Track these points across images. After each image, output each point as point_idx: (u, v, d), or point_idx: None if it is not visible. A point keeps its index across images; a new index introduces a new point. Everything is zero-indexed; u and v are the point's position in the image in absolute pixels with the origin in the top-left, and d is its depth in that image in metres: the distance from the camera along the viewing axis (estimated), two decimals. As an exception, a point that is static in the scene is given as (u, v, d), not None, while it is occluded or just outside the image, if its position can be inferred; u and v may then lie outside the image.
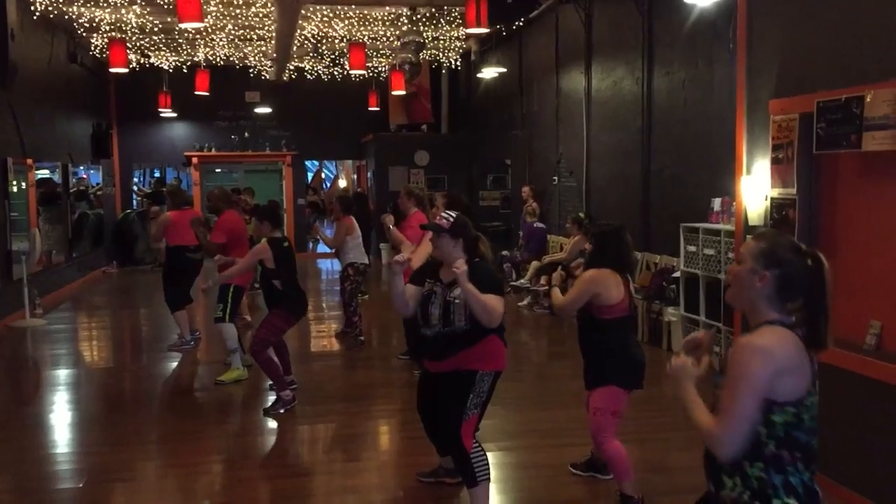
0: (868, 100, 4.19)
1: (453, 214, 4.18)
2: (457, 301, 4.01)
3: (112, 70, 10.57)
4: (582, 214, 10.49)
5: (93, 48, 13.75)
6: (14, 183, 10.74)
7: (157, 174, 21.64)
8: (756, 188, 5.37)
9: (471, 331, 4.02)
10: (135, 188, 18.59)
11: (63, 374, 8.01)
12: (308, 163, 20.69)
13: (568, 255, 10.25)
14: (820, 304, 2.27)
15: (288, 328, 6.55)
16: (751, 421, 2.20)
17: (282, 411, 6.26)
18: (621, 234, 4.55)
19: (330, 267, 16.08)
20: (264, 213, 6.62)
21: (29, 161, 11.44)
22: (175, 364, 8.17)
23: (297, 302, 6.48)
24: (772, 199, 5.14)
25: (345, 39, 12.95)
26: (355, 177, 22.88)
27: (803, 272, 2.28)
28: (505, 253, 12.20)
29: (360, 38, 12.72)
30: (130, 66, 12.46)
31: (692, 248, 7.53)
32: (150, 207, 15.98)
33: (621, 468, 4.31)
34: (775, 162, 5.12)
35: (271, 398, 6.60)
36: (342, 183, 24.71)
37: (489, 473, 4.15)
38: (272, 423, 6.14)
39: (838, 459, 4.30)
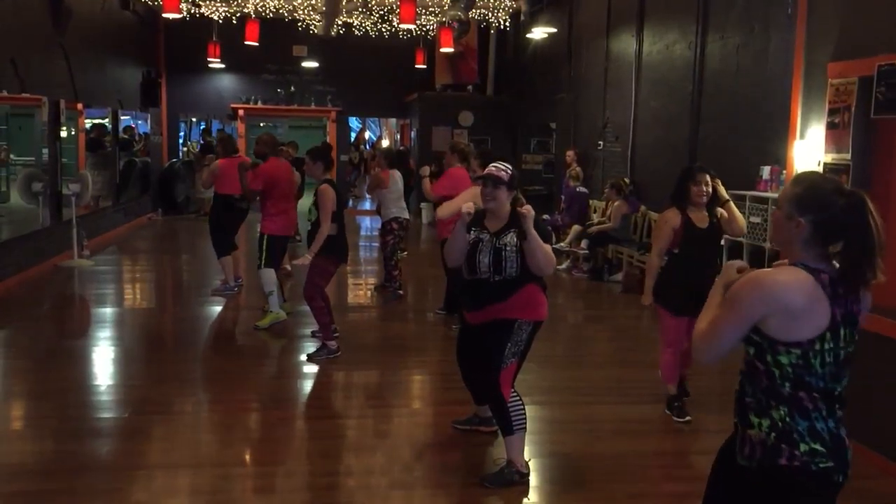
0: (932, 63, 4.08)
1: (509, 167, 4.18)
2: (507, 248, 4.03)
3: (165, 15, 10.61)
4: (626, 180, 10.39)
5: (145, -5, 13.84)
6: (64, 127, 10.92)
7: (202, 125, 21.86)
8: (809, 153, 5.28)
9: (518, 277, 4.06)
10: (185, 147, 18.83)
11: (108, 312, 8.21)
12: (352, 122, 20.71)
13: (613, 222, 10.18)
14: (861, 244, 2.18)
15: (334, 271, 6.59)
16: (729, 342, 2.27)
17: (325, 358, 6.34)
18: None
19: (369, 224, 16.16)
20: (318, 154, 6.52)
21: (80, 105, 11.61)
22: (217, 308, 8.31)
23: (342, 246, 6.51)
24: (825, 164, 5.05)
25: (394, -6, 12.85)
26: (398, 136, 22.86)
27: (842, 215, 2.20)
28: (546, 216, 12.13)
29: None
30: (181, 14, 12.50)
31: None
32: (204, 157, 16.15)
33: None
34: (830, 126, 5.02)
35: (309, 345, 6.69)
36: (385, 143, 24.71)
37: (525, 423, 4.18)
38: (309, 368, 6.24)
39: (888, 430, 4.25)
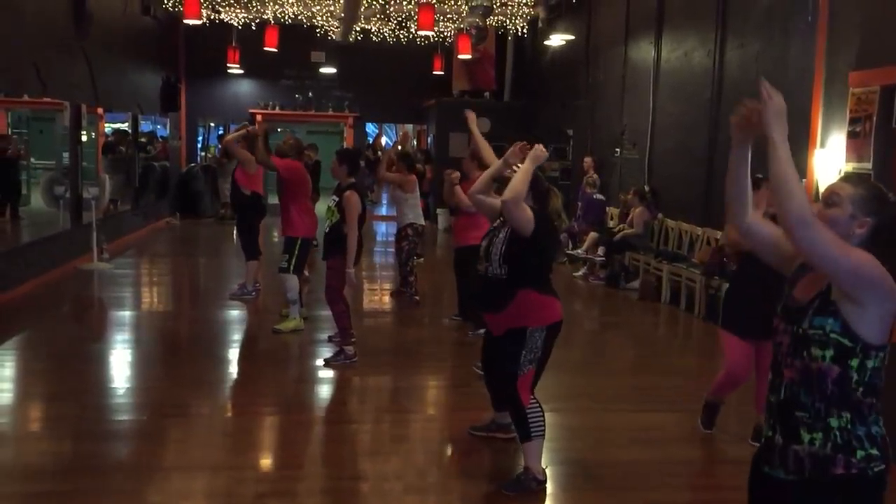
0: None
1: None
2: (498, 235, 4.13)
3: (186, 21, 10.72)
4: (646, 188, 10.36)
5: (165, 1, 13.95)
6: (85, 131, 11.01)
7: (220, 131, 21.96)
8: (829, 162, 5.24)
9: (508, 280, 4.06)
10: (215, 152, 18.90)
11: (126, 315, 8.26)
12: (368, 128, 20.77)
13: (637, 228, 10.15)
14: None
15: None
16: (824, 248, 2.05)
17: (342, 363, 6.35)
18: None
19: (385, 230, 16.19)
20: (344, 156, 6.47)
21: (100, 110, 11.72)
22: (234, 312, 8.35)
23: (358, 250, 6.50)
24: (846, 173, 5.02)
25: (413, 1, 12.89)
26: (415, 142, 22.88)
27: (892, 220, 2.23)
28: (562, 223, 12.11)
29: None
30: (202, 20, 12.60)
31: (756, 225, 7.36)
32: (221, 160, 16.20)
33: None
34: (852, 136, 4.99)
35: (325, 350, 6.71)
36: (400, 148, 24.73)
37: (544, 430, 4.17)
38: (325, 373, 6.25)
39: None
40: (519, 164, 4.15)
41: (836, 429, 2.18)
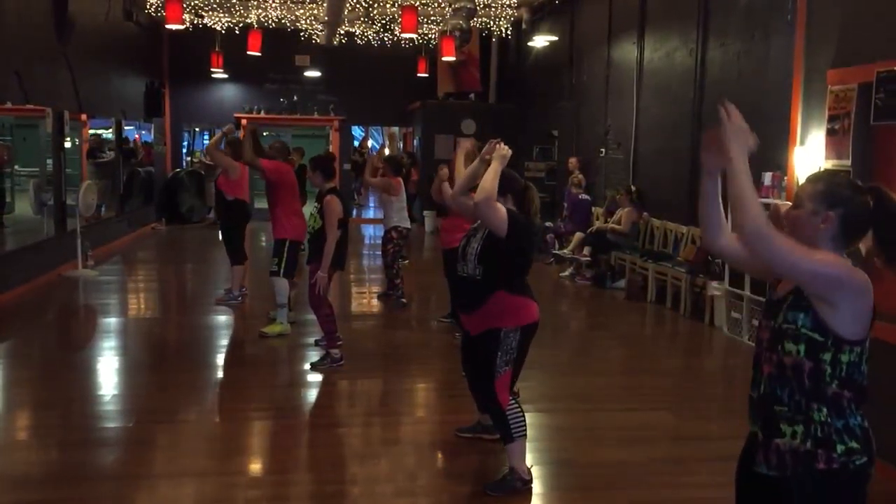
0: (931, 69, 4.10)
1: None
2: (475, 235, 4.15)
3: (168, 26, 10.69)
4: (634, 187, 10.41)
5: (148, 6, 13.92)
6: (68, 138, 10.96)
7: (206, 136, 21.90)
8: (809, 160, 5.30)
9: (483, 280, 4.08)
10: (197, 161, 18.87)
11: (112, 321, 8.24)
12: (355, 131, 20.75)
13: (625, 227, 10.20)
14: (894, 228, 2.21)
15: (333, 276, 6.58)
16: (780, 257, 2.11)
17: (329, 367, 6.36)
18: None
19: (372, 232, 16.20)
20: (317, 164, 6.55)
21: (83, 116, 11.67)
22: (220, 317, 8.34)
23: (341, 254, 6.50)
24: (811, 173, 5.08)
25: (396, 4, 12.92)
26: (401, 144, 22.89)
27: (865, 208, 2.22)
28: (549, 224, 12.17)
29: (411, 2, 12.67)
30: (185, 25, 12.57)
31: (739, 223, 7.42)
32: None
33: None
34: (830, 133, 5.04)
35: (313, 354, 6.71)
36: (387, 151, 24.75)
37: (525, 430, 4.19)
38: (313, 377, 6.25)
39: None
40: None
41: (816, 422, 2.21)
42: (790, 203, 2.39)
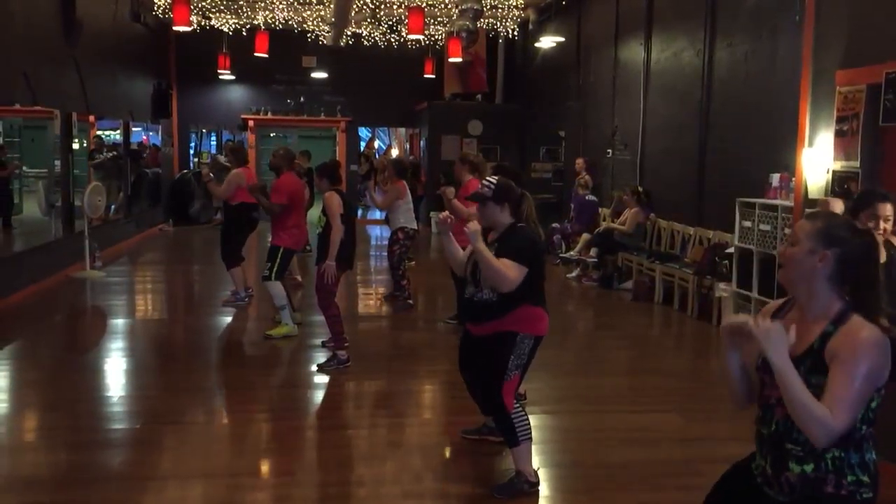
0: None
1: (495, 180, 4.16)
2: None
3: (175, 28, 10.72)
4: (640, 188, 10.39)
5: (155, 8, 13.96)
6: (76, 139, 11.00)
7: (213, 137, 21.93)
8: (818, 161, 5.28)
9: (500, 302, 3.99)
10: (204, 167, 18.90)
11: (119, 323, 8.25)
12: (362, 132, 20.79)
13: (629, 227, 10.18)
14: (874, 278, 2.24)
15: (339, 276, 6.60)
16: (860, 401, 2.14)
17: (336, 368, 6.36)
18: None
19: (379, 233, 16.20)
20: (323, 171, 6.66)
21: (91, 118, 11.71)
22: (227, 318, 8.35)
23: (349, 253, 6.53)
24: (833, 171, 5.05)
25: (403, 5, 12.92)
26: (408, 146, 22.92)
27: (860, 250, 2.24)
28: (555, 225, 12.16)
29: (418, 3, 12.68)
30: (192, 27, 12.60)
31: (747, 224, 7.41)
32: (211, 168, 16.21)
33: None
34: (839, 134, 5.02)
35: (319, 355, 6.71)
36: (395, 152, 24.76)
37: (531, 433, 4.18)
38: (319, 378, 6.26)
39: None
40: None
41: (828, 459, 2.22)
42: (815, 204, 2.40)
